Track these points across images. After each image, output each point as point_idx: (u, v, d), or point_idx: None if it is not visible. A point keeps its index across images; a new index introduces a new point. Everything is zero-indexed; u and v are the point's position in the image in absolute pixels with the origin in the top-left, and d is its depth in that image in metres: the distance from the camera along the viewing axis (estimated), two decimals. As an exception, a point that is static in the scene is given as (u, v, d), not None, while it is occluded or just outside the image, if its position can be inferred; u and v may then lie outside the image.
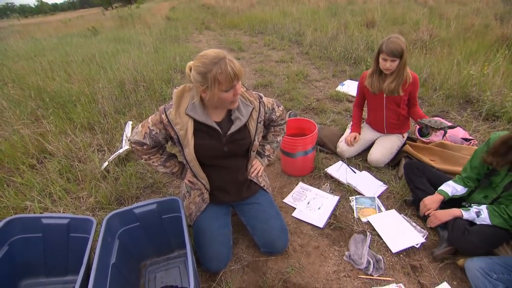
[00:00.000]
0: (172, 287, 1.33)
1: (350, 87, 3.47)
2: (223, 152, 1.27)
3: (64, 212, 1.80)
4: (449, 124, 1.94)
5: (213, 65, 1.03)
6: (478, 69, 3.08)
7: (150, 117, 1.26)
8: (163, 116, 1.19)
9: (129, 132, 2.48)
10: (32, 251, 1.30)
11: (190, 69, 1.13)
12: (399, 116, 2.02)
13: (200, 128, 1.21)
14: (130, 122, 2.57)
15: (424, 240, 1.53)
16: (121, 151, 2.23)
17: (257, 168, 1.49)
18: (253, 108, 1.27)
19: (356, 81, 3.64)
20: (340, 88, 3.49)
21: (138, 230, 1.37)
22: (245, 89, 1.32)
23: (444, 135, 1.87)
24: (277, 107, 1.42)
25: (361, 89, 2.10)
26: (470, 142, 2.18)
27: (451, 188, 1.54)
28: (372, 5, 8.14)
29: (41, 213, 1.78)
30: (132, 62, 4.22)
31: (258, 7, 10.75)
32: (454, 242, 1.39)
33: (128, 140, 1.34)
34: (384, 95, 1.96)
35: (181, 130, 1.18)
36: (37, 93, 3.33)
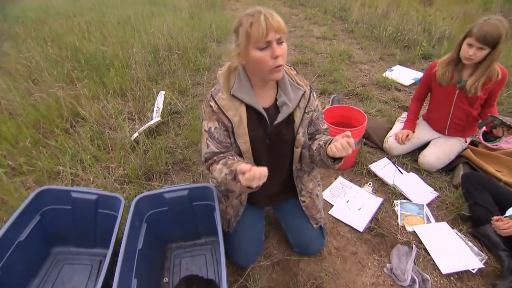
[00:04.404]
0: (197, 277, 1.26)
1: (400, 74, 3.10)
2: (264, 145, 1.09)
3: (93, 180, 1.79)
4: None
5: (246, 17, 0.88)
6: None
7: (203, 122, 1.09)
8: (212, 103, 1.02)
9: (161, 102, 2.38)
10: (62, 222, 1.29)
11: None
12: (469, 117, 1.72)
13: (249, 114, 1.03)
14: (163, 92, 2.47)
15: (483, 266, 1.33)
16: (151, 122, 2.15)
17: None
18: (304, 93, 1.06)
19: (407, 67, 3.25)
20: (388, 74, 3.13)
21: (166, 214, 1.29)
22: (295, 72, 1.12)
23: None
24: (322, 119, 1.19)
25: (427, 79, 1.79)
26: (548, 154, 1.85)
27: None
28: (431, -21, 7.16)
29: (72, 179, 1.78)
30: (167, 27, 4.05)
31: (301, -25, 9.90)
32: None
33: (203, 163, 1.13)
34: (457, 91, 1.66)
35: (235, 116, 1.01)
36: (73, 54, 3.31)
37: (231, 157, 1.05)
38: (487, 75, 1.54)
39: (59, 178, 1.81)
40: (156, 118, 2.21)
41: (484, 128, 1.72)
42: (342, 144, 0.91)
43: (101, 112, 2.34)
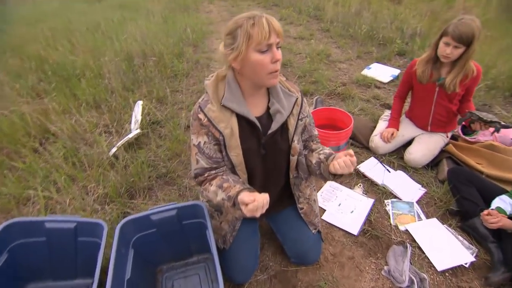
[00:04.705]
0: (193, 301, 1.18)
1: (378, 71, 3.17)
2: (259, 156, 1.04)
3: (70, 202, 1.64)
4: (503, 123, 1.69)
5: (246, 19, 0.85)
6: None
7: (191, 136, 1.02)
8: (201, 116, 0.96)
9: (139, 113, 2.26)
10: (36, 256, 1.15)
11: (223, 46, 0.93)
12: (449, 113, 1.77)
13: (241, 125, 0.98)
14: (141, 102, 2.34)
15: (474, 259, 1.36)
16: (130, 135, 2.02)
17: None
18: (296, 99, 1.03)
19: (384, 64, 3.33)
20: (366, 72, 3.18)
21: (154, 236, 1.20)
22: (285, 78, 1.08)
23: (494, 132, 1.63)
24: (313, 125, 1.19)
25: (408, 77, 1.83)
26: (521, 144, 1.94)
27: (509, 206, 1.35)
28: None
29: (45, 203, 1.63)
30: (140, 32, 3.89)
31: (273, -25, 9.93)
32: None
33: (193, 179, 1.08)
34: (437, 88, 1.70)
35: (226, 128, 0.95)
36: (38, 65, 3.07)
37: (225, 177, 0.99)
38: (463, 72, 1.59)
39: (29, 203, 1.65)
40: (135, 130, 2.08)
41: (463, 123, 1.78)
42: (345, 162, 0.91)
43: (74, 127, 2.17)
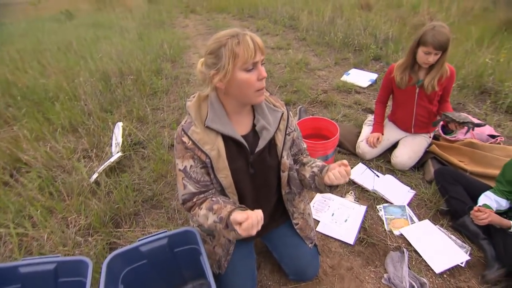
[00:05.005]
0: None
1: (356, 77, 3.25)
2: (248, 176, 1.01)
3: (49, 237, 1.52)
4: (476, 121, 1.77)
5: (229, 37, 0.82)
6: (492, 56, 2.92)
7: (176, 161, 0.97)
8: (185, 139, 0.91)
9: (120, 135, 2.16)
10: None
11: (202, 64, 0.90)
12: (430, 113, 1.83)
13: (227, 145, 0.95)
14: (121, 123, 2.25)
15: (469, 258, 1.37)
16: (112, 159, 1.92)
17: None
18: (282, 114, 1.02)
19: (361, 69, 3.43)
20: (345, 78, 3.26)
21: (145, 267, 1.12)
22: (268, 93, 1.06)
23: (467, 132, 1.70)
24: (301, 138, 1.18)
25: (387, 83, 1.88)
26: (497, 139, 2.03)
27: (494, 202, 1.39)
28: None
29: (19, 242, 1.49)
30: (116, 50, 3.79)
31: (246, -12, 10.13)
32: (510, 265, 1.23)
33: (181, 205, 1.03)
34: (417, 90, 1.75)
35: (213, 150, 0.91)
36: (6, 89, 2.89)
37: (214, 199, 0.95)
38: (440, 73, 1.66)
39: (0, 243, 1.50)
40: (116, 154, 1.99)
41: (442, 123, 1.85)
42: (340, 172, 0.91)
43: (49, 154, 2.04)
